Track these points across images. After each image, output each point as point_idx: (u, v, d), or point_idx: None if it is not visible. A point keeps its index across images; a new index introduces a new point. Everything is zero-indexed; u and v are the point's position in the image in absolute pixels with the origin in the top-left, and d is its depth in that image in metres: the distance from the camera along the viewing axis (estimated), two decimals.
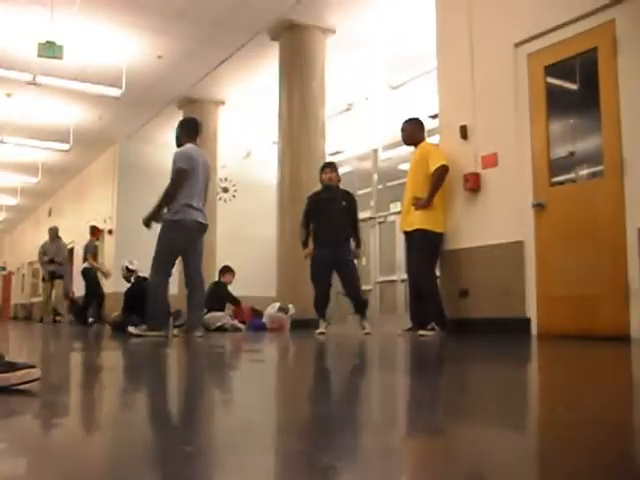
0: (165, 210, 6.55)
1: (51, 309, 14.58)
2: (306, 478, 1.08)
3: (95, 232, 13.99)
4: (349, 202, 7.49)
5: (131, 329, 6.67)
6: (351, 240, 7.42)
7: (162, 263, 6.52)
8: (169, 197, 6.46)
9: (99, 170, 18.55)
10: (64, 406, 1.97)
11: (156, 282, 6.58)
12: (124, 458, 1.24)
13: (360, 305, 7.39)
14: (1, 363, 1.99)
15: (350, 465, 1.14)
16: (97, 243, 14.16)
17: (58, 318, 14.47)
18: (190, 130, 6.78)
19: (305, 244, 7.58)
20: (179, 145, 6.73)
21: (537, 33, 6.14)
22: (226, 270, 10.51)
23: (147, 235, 12.54)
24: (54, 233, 14.52)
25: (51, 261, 14.12)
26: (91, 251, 13.66)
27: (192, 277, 6.62)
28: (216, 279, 10.60)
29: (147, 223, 6.71)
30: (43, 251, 14.30)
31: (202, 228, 6.64)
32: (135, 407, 1.99)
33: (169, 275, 6.60)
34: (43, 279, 14.60)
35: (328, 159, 10.48)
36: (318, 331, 7.25)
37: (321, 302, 7.38)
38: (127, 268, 9.23)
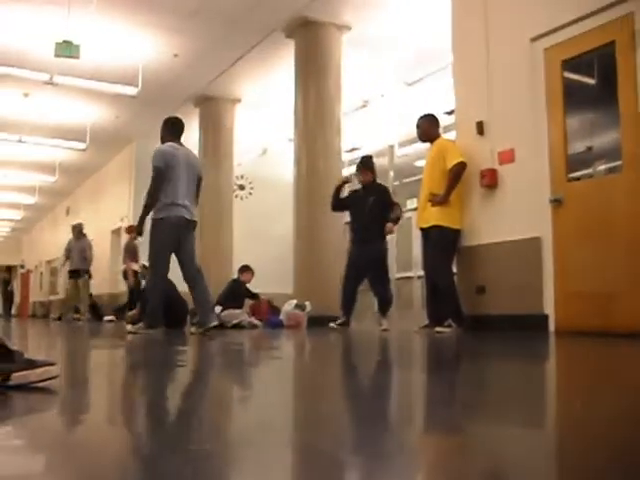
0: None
1: (73, 307, 14.60)
2: (324, 474, 1.08)
3: (130, 230, 13.48)
4: (379, 195, 7.72)
5: (129, 327, 6.80)
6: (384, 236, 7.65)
7: (157, 263, 6.55)
8: (151, 197, 6.47)
9: (116, 169, 18.66)
10: (83, 403, 1.98)
11: (153, 282, 6.69)
12: (142, 455, 1.24)
13: (385, 304, 7.62)
14: (20, 360, 2.00)
15: (367, 461, 1.14)
16: (136, 242, 13.22)
17: (77, 316, 14.50)
18: (172, 129, 6.80)
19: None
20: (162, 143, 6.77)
21: (554, 27, 6.10)
22: (245, 269, 10.53)
23: None
24: (77, 230, 14.42)
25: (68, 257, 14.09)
26: (129, 251, 13.32)
27: (190, 272, 6.56)
28: (234, 277, 10.63)
29: (139, 230, 6.78)
30: (68, 248, 14.24)
31: (190, 224, 6.58)
32: (152, 404, 2.00)
33: (166, 273, 6.59)
34: (70, 276, 14.42)
35: (344, 156, 10.48)
36: (338, 321, 7.58)
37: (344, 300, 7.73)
38: (145, 266, 9.28)
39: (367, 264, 7.54)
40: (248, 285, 10.46)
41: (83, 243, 14.33)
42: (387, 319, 7.51)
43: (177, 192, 6.43)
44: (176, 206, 6.40)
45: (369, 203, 7.59)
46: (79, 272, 14.10)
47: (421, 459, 1.24)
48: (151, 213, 6.52)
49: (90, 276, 14.39)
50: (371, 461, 1.14)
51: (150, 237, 6.51)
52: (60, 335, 7.36)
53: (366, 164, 7.91)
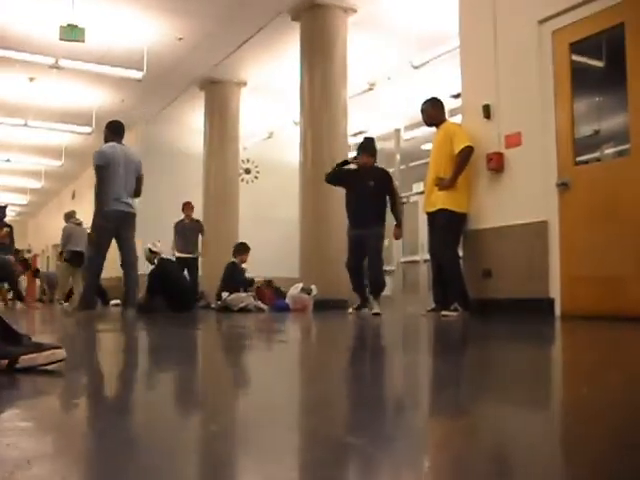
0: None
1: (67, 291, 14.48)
2: (329, 456, 1.08)
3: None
4: (380, 181, 7.53)
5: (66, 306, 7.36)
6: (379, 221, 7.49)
7: (95, 250, 7.39)
8: (99, 194, 7.13)
9: None
10: (90, 386, 1.99)
11: (89, 267, 7.68)
12: (148, 437, 1.25)
13: (376, 287, 7.47)
14: (28, 344, 2.02)
15: (373, 443, 1.14)
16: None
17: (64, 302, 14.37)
18: (114, 131, 7.50)
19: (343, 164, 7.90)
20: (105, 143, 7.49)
21: (562, 9, 6.04)
22: (239, 250, 10.43)
23: (167, 218, 12.60)
24: (70, 216, 14.32)
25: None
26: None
27: (127, 260, 7.34)
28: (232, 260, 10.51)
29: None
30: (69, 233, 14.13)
31: (127, 216, 7.25)
32: (158, 387, 2.01)
33: (102, 261, 7.36)
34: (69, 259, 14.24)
35: (350, 140, 10.44)
36: (354, 305, 7.65)
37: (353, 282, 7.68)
38: (150, 250, 9.29)
39: (365, 247, 7.43)
40: (253, 269, 10.46)
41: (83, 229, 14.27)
42: (379, 303, 7.36)
43: (116, 188, 7.12)
44: (115, 200, 7.10)
45: (369, 187, 7.40)
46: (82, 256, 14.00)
47: (427, 440, 1.25)
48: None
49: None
50: (376, 443, 1.15)
51: (92, 227, 7.41)
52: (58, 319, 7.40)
53: (368, 147, 7.71)
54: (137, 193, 7.43)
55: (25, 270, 16.88)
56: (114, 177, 7.09)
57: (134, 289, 7.40)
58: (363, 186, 7.41)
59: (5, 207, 12.14)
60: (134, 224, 7.40)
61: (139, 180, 7.40)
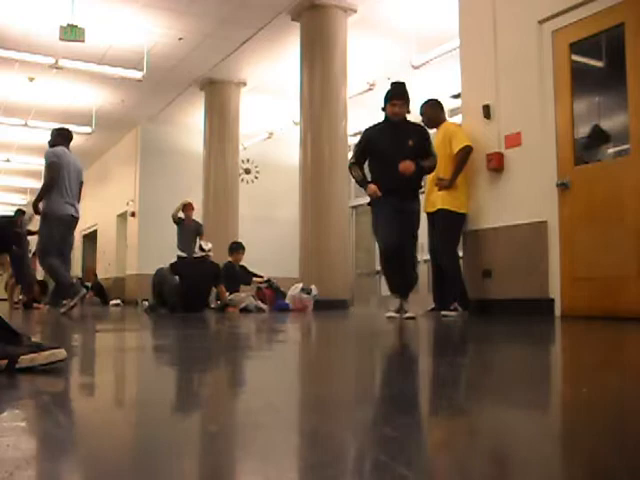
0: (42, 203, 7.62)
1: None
2: (329, 456, 1.08)
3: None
4: (420, 139, 6.09)
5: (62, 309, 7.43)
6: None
7: (45, 251, 7.60)
8: (50, 184, 7.48)
9: (121, 153, 18.65)
10: (89, 386, 1.99)
11: (42, 263, 7.76)
12: (147, 438, 1.25)
13: (412, 282, 6.27)
14: (28, 344, 2.02)
15: (373, 443, 1.14)
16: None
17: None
18: (63, 137, 7.88)
19: (364, 181, 6.12)
20: (52, 147, 7.83)
21: (562, 9, 6.04)
22: (233, 249, 10.49)
23: (167, 218, 12.57)
24: None
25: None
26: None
27: (66, 260, 7.71)
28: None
29: (36, 209, 7.75)
30: None
31: (73, 220, 7.68)
32: (158, 387, 2.01)
33: (55, 261, 7.57)
34: None
35: (350, 140, 10.43)
36: (392, 308, 6.13)
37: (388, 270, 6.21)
38: (201, 247, 9.35)
39: (405, 229, 6.01)
40: (253, 269, 10.47)
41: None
42: (409, 303, 6.09)
43: (67, 190, 7.51)
44: (65, 203, 7.48)
45: (408, 147, 5.93)
46: None
47: (426, 440, 1.25)
48: (42, 205, 7.57)
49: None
50: (376, 442, 1.15)
51: (43, 228, 7.61)
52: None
53: (400, 92, 6.15)
54: (78, 199, 7.81)
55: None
56: (66, 180, 7.49)
57: (61, 290, 7.71)
58: (403, 145, 5.97)
59: (22, 213, 12.18)
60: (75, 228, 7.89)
61: (81, 188, 7.85)
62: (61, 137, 7.86)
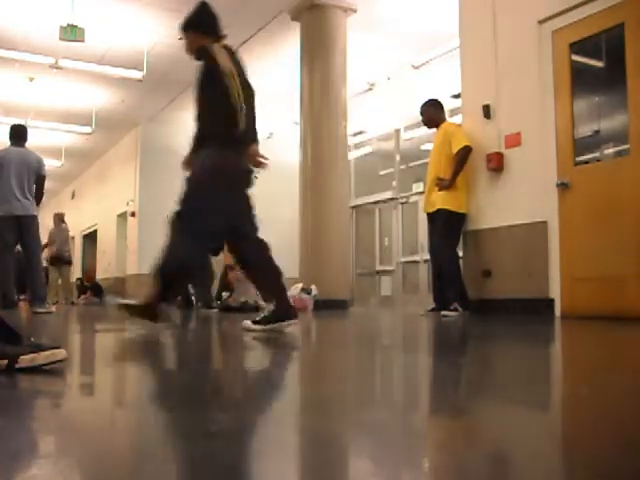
0: None
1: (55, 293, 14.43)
2: (328, 456, 1.08)
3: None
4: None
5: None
6: None
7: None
8: None
9: (121, 153, 18.64)
10: (88, 386, 1.99)
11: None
12: (147, 438, 1.25)
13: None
14: (28, 344, 2.02)
15: (373, 443, 1.14)
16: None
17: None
18: (15, 134, 7.79)
19: None
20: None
21: (562, 9, 6.04)
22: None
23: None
24: (59, 219, 14.42)
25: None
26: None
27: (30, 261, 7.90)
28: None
29: None
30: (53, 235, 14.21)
31: (21, 219, 7.63)
32: (158, 387, 2.01)
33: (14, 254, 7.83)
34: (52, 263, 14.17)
35: (350, 140, 10.43)
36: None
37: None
38: None
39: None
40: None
41: (65, 231, 14.36)
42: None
43: (8, 189, 7.40)
44: (7, 202, 7.41)
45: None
46: (59, 259, 14.05)
47: (426, 440, 1.25)
48: None
49: (71, 263, 14.45)
50: (376, 443, 1.15)
51: None
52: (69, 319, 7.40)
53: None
54: (39, 195, 7.81)
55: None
56: (7, 179, 7.39)
57: (34, 289, 7.72)
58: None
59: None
60: (36, 225, 7.96)
61: (41, 182, 7.78)
62: (13, 135, 7.80)
